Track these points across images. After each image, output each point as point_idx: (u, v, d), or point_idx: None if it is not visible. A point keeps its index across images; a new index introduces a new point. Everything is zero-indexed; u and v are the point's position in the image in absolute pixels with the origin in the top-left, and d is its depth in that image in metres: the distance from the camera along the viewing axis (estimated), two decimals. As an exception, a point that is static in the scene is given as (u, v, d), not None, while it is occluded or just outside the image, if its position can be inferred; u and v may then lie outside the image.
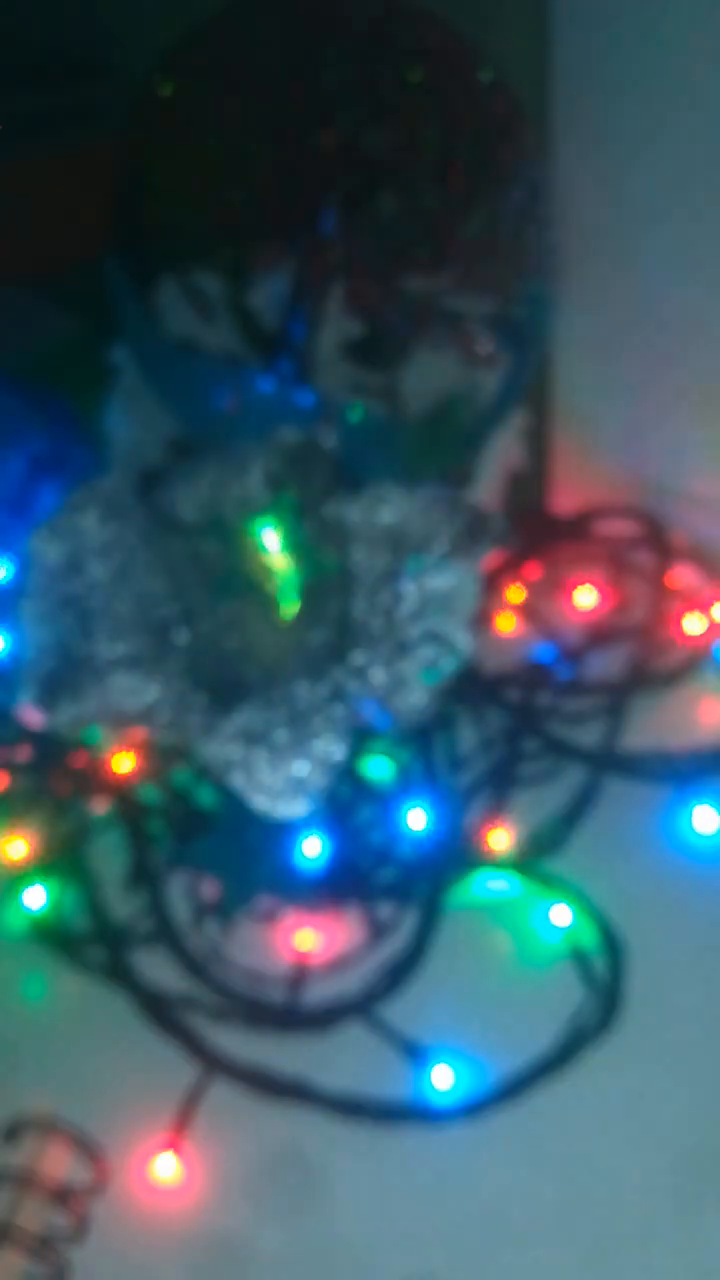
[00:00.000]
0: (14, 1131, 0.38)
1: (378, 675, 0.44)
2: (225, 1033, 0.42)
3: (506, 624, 0.59)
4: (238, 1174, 0.38)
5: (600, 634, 0.57)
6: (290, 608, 0.44)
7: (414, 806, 0.47)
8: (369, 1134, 0.39)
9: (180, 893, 0.46)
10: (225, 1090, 0.40)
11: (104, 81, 0.84)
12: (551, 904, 0.44)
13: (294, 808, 0.42)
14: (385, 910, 0.45)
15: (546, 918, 0.44)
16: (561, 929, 0.44)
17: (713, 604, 0.57)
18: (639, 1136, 0.38)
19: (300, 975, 0.43)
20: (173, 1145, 0.38)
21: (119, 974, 0.44)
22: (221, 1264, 0.36)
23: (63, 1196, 0.37)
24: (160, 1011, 0.42)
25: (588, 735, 0.52)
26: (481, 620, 0.58)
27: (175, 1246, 0.37)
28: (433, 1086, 0.39)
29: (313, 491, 0.48)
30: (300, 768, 0.43)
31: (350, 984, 0.43)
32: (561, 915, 0.44)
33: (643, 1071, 0.40)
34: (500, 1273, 0.36)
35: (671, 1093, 0.39)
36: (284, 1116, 0.39)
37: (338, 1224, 0.37)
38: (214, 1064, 0.40)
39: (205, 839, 0.42)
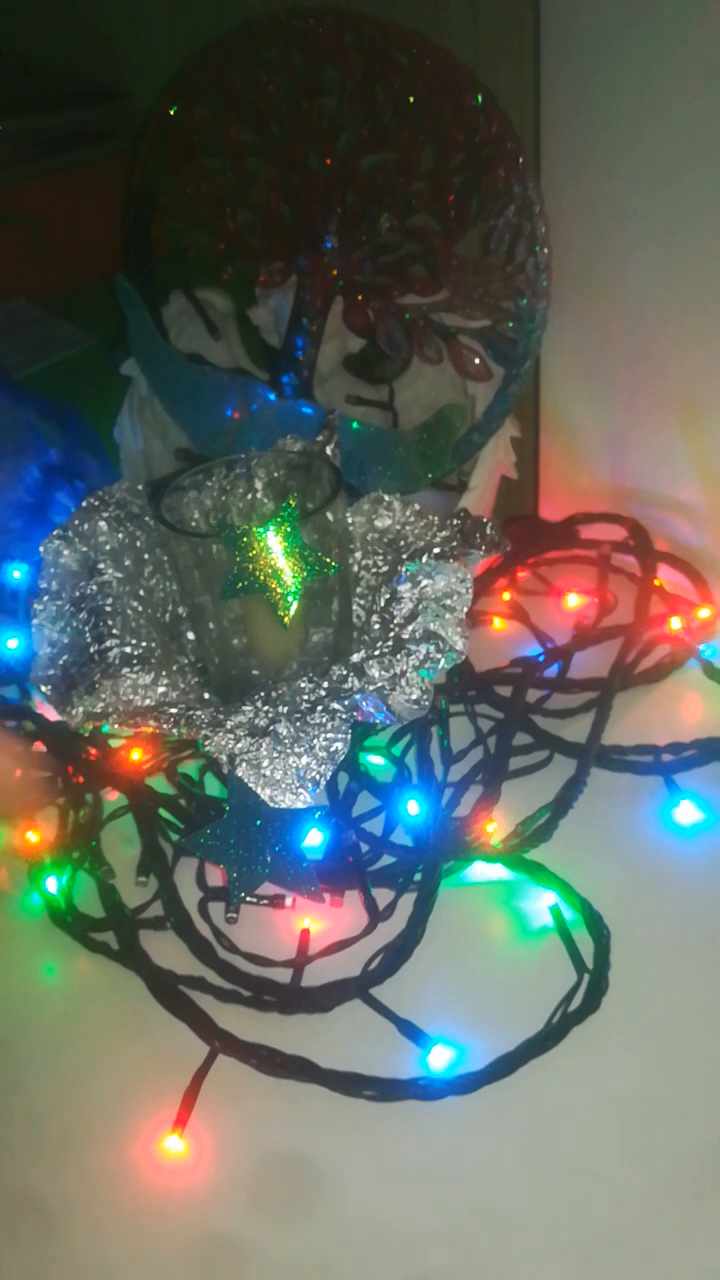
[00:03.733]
0: None
1: (376, 672, 0.45)
2: (231, 1013, 0.42)
3: (498, 624, 0.60)
4: (243, 1150, 0.38)
5: (587, 633, 0.58)
6: (293, 608, 0.45)
7: (410, 797, 0.48)
8: (369, 1116, 0.39)
9: (188, 879, 0.47)
10: (231, 1068, 0.40)
11: (114, 104, 0.85)
12: (540, 890, 0.45)
13: (297, 798, 0.43)
14: (383, 896, 0.46)
15: (536, 904, 0.45)
16: (550, 914, 0.44)
17: (693, 604, 0.58)
18: (625, 1113, 0.38)
19: (302, 958, 0.44)
20: (180, 1123, 0.38)
21: (130, 956, 0.44)
22: (225, 1240, 0.36)
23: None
24: (169, 992, 0.43)
25: (575, 730, 0.52)
26: (474, 620, 0.59)
27: (181, 1219, 0.36)
28: (429, 1064, 0.40)
29: (314, 498, 0.49)
30: (303, 760, 0.43)
31: (350, 966, 0.43)
32: (550, 901, 0.45)
33: (627, 1049, 0.40)
34: (496, 1253, 0.35)
35: (654, 1070, 0.39)
36: (287, 1094, 0.40)
37: (336, 1206, 0.37)
38: (220, 1043, 0.41)
39: (212, 828, 0.43)
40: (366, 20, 0.55)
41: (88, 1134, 0.38)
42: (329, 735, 0.44)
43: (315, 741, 0.44)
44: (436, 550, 0.50)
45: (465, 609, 0.47)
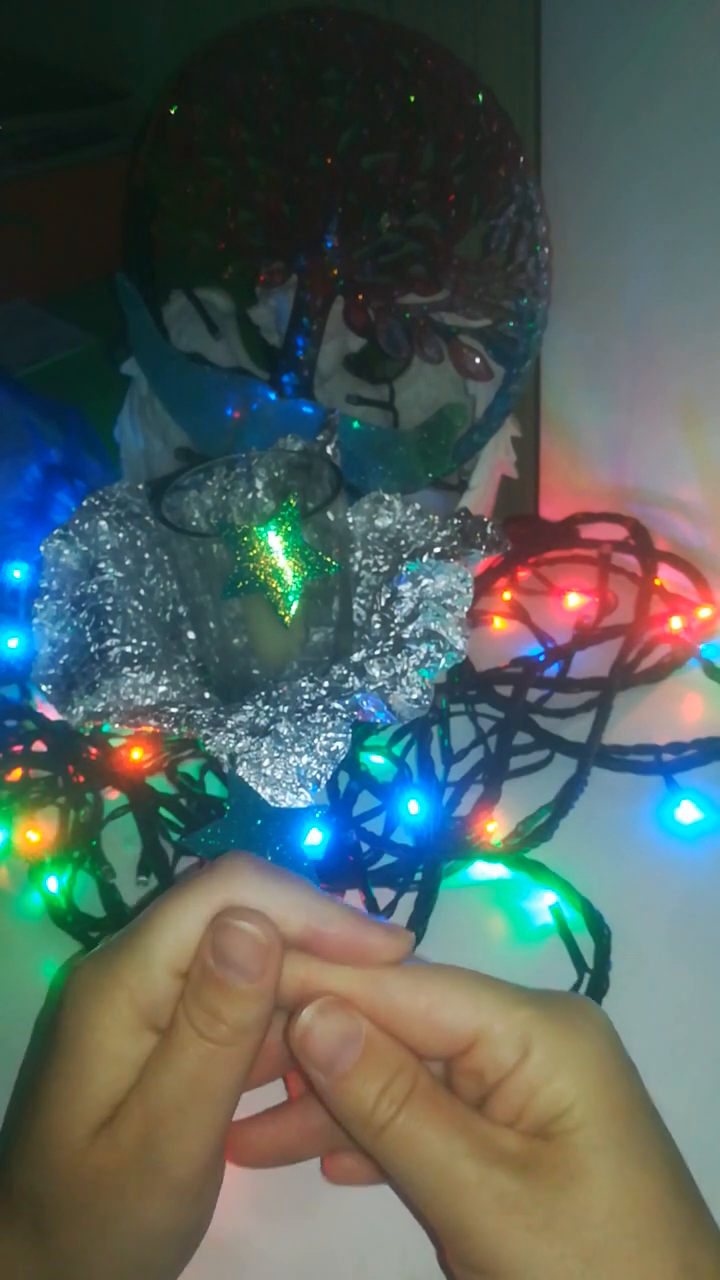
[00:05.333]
0: None
1: (377, 672, 0.45)
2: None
3: (498, 623, 0.60)
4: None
5: (587, 633, 0.58)
6: (293, 608, 0.45)
7: (411, 796, 0.48)
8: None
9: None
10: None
11: (114, 104, 0.85)
12: (541, 890, 0.45)
13: (297, 798, 0.43)
14: (384, 895, 0.46)
15: (536, 903, 0.45)
16: (550, 913, 0.44)
17: (694, 604, 0.58)
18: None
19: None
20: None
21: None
22: (225, 1240, 0.35)
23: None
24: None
25: (576, 729, 0.52)
26: (475, 619, 0.59)
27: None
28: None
29: (315, 498, 0.49)
30: (303, 760, 0.43)
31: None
32: (550, 901, 0.45)
33: (628, 1049, 0.38)
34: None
35: (655, 1069, 0.37)
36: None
37: (336, 1206, 0.37)
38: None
39: (213, 827, 0.43)
40: (367, 20, 0.55)
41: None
42: (330, 735, 0.44)
43: (316, 741, 0.44)
44: (437, 550, 0.50)
45: (466, 608, 0.47)
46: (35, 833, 0.49)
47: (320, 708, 0.44)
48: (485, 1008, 0.29)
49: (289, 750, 0.43)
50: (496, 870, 0.46)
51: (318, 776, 0.43)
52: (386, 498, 0.52)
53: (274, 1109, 0.35)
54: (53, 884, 0.47)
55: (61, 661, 0.48)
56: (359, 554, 0.53)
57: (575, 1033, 0.29)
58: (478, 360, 0.59)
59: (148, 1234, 0.29)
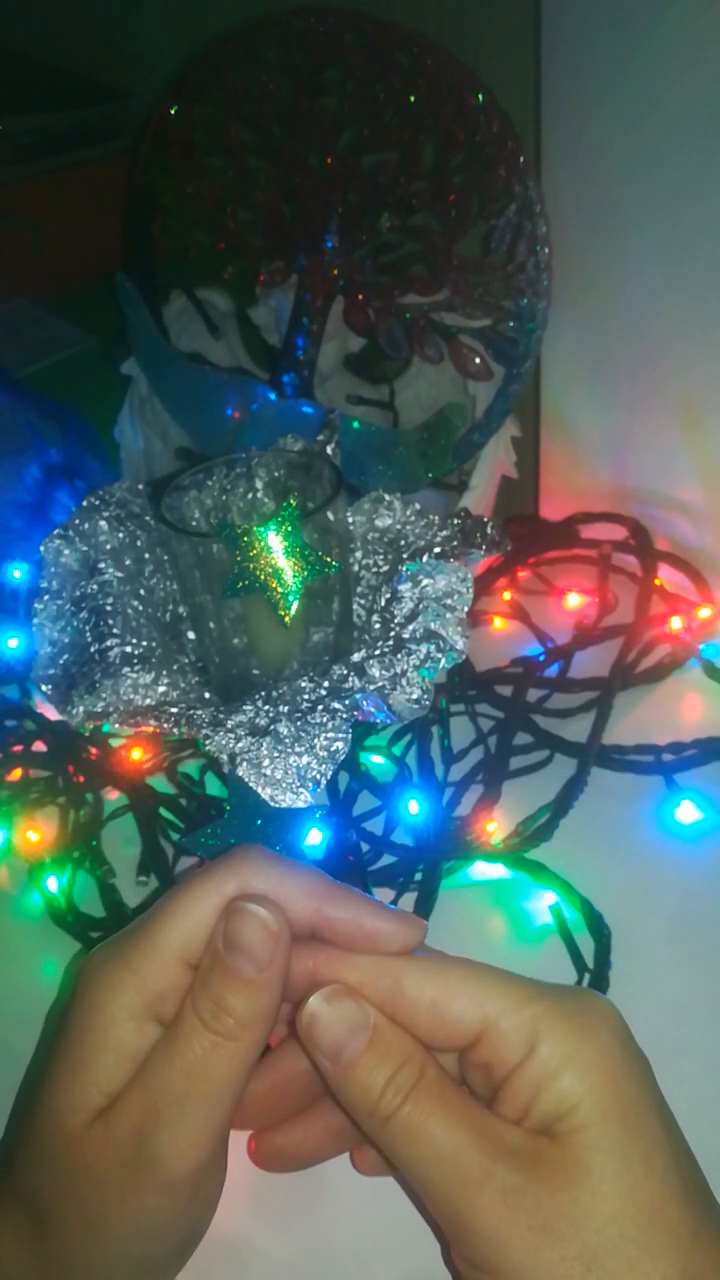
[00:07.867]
0: None
1: (377, 672, 0.45)
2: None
3: (498, 623, 0.60)
4: (243, 1150, 0.37)
5: (587, 633, 0.58)
6: (293, 608, 0.45)
7: (411, 796, 0.48)
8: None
9: (189, 878, 0.48)
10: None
11: (115, 104, 0.85)
12: (541, 890, 0.45)
13: (297, 798, 0.43)
14: (384, 895, 0.46)
15: (536, 903, 0.45)
16: (550, 913, 0.44)
17: (694, 604, 0.58)
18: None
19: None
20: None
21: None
22: (225, 1240, 0.35)
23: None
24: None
25: (576, 729, 0.52)
26: (475, 619, 0.59)
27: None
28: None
29: (315, 498, 0.49)
30: (303, 760, 0.43)
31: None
32: (550, 901, 0.45)
33: None
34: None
35: (655, 1070, 0.38)
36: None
37: (336, 1206, 0.37)
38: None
39: (213, 827, 0.43)
40: (367, 20, 0.55)
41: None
42: (330, 735, 0.44)
43: (316, 741, 0.44)
44: (437, 550, 0.50)
45: (466, 608, 0.47)
46: (35, 833, 0.49)
47: (320, 708, 0.44)
48: (492, 1001, 0.29)
49: (289, 750, 0.43)
50: (496, 870, 0.46)
51: (318, 776, 0.43)
52: (386, 498, 0.52)
53: (298, 1114, 0.35)
54: (53, 884, 0.47)
55: (61, 661, 0.48)
56: (359, 554, 0.53)
57: (584, 1030, 0.29)
58: (478, 360, 0.59)
59: (141, 1230, 0.29)
